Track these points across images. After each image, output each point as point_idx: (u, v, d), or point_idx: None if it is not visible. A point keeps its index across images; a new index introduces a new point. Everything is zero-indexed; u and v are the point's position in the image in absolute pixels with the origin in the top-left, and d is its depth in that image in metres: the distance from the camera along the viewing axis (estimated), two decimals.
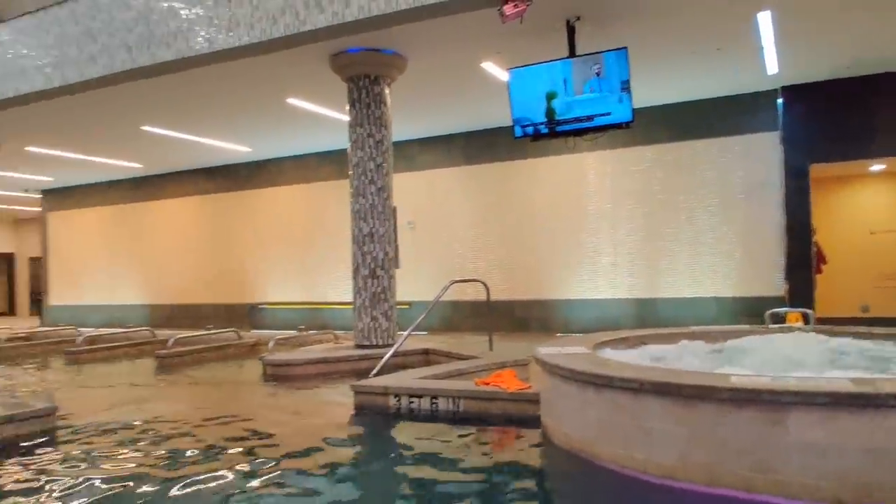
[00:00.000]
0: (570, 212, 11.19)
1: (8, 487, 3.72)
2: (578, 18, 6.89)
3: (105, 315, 15.92)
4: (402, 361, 7.34)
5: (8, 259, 23.47)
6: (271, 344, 8.62)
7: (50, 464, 4.21)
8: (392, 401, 5.44)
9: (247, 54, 7.43)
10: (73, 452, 4.47)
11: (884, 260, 10.70)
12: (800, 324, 6.39)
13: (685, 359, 4.63)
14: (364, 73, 8.06)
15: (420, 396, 5.33)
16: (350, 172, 8.36)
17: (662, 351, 4.94)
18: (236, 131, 11.61)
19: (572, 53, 7.09)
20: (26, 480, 3.84)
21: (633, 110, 6.93)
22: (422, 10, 6.15)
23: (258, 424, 5.29)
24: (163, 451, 4.44)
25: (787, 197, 9.59)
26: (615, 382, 3.54)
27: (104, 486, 3.66)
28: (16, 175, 14.77)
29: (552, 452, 4.12)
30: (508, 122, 7.66)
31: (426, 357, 8.13)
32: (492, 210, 11.90)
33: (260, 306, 14.09)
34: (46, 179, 15.98)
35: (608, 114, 6.98)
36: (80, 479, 3.80)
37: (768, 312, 6.37)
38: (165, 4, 7.47)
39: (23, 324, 16.44)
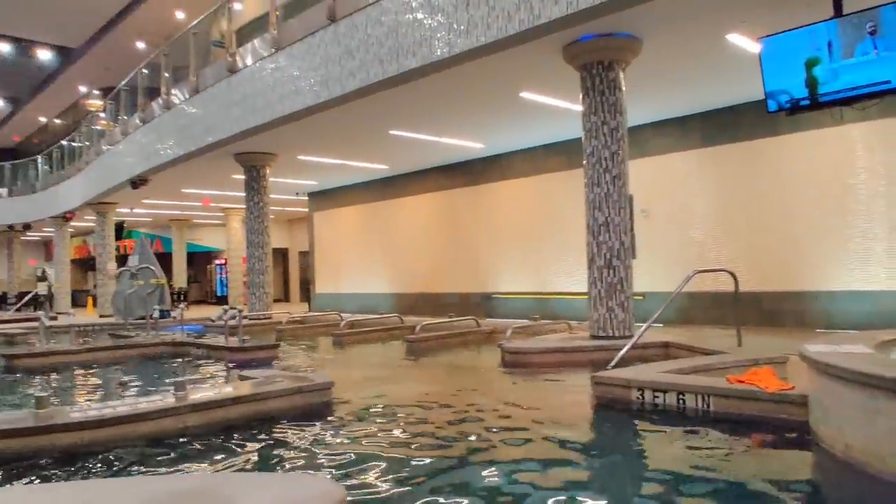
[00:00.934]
0: (833, 192, 9.87)
1: (304, 446, 4.37)
2: None
3: (359, 303, 17.82)
4: (640, 354, 7.12)
5: (283, 253, 27.37)
6: (509, 332, 8.94)
7: (333, 430, 4.86)
8: (634, 394, 5.31)
9: (483, 54, 7.76)
10: (349, 421, 5.10)
11: None
12: None
13: None
14: (597, 60, 7.94)
15: (665, 391, 5.13)
16: (584, 162, 8.30)
17: None
18: (471, 129, 12.18)
19: (838, 13, 6.24)
20: (316, 442, 4.48)
21: None
22: None
23: (505, 409, 5.53)
24: (420, 426, 4.87)
25: None
26: None
27: (380, 453, 4.13)
28: (289, 181, 17.17)
29: (829, 464, 3.68)
30: (752, 98, 7.04)
31: (665, 350, 7.79)
32: (734, 194, 10.96)
33: (493, 295, 14.67)
34: (312, 183, 18.36)
35: (887, 81, 6.01)
36: (359, 445, 4.33)
37: None
38: (411, 17, 8.11)
39: (295, 309, 19.09)
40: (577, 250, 12.19)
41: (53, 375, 8.43)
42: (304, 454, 4.18)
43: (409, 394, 6.25)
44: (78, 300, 27.65)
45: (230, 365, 8.49)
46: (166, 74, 14.95)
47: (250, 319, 12.49)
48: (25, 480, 3.77)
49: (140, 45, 20.40)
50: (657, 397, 5.17)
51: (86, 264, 30.89)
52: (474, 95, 9.91)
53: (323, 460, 4.02)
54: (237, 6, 13.84)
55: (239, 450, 4.33)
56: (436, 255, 16.23)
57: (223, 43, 12.91)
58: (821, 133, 9.79)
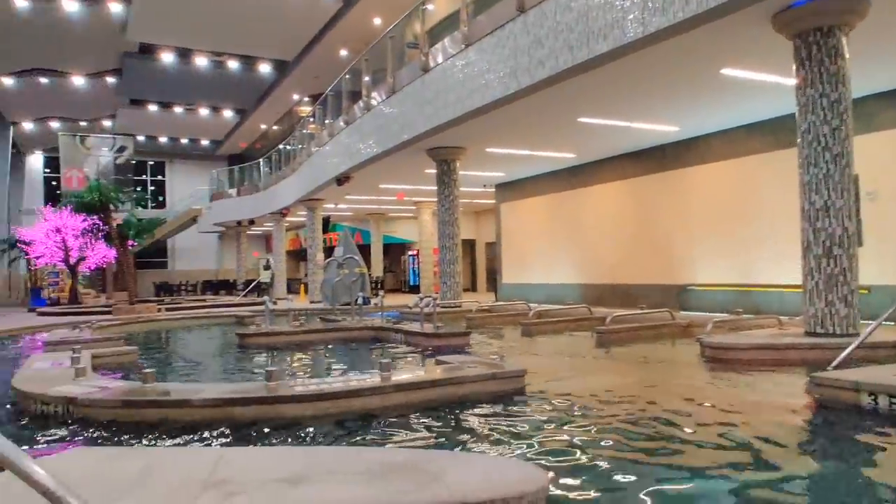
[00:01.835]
0: None
1: (499, 431, 4.48)
2: None
3: (545, 293, 17.81)
4: (866, 354, 6.29)
5: (470, 244, 28.21)
6: (709, 326, 8.39)
7: (525, 417, 4.92)
8: (865, 399, 4.71)
9: (680, 31, 7.34)
10: (542, 408, 5.14)
11: None
12: None
13: None
14: (815, 27, 7.12)
15: None
16: (798, 140, 7.50)
17: None
18: (665, 112, 11.58)
19: None
20: (510, 428, 4.57)
21: None
22: None
23: (710, 408, 5.21)
24: (614, 419, 4.75)
25: None
26: None
27: (574, 444, 4.11)
28: (477, 173, 17.63)
29: None
30: None
31: None
32: None
33: (688, 287, 13.84)
34: (499, 175, 18.69)
35: None
36: (552, 434, 4.34)
37: None
38: None
39: (483, 298, 19.59)
40: (784, 238, 11.11)
41: (276, 353, 9.53)
42: (498, 438, 4.28)
43: (602, 385, 6.12)
44: (291, 287, 30.86)
45: (426, 350, 8.95)
46: (366, 78, 16.09)
47: (442, 307, 13.05)
48: (259, 443, 4.30)
49: (343, 52, 22.15)
50: (894, 403, 4.54)
51: (298, 255, 34.39)
52: (669, 76, 9.40)
53: (516, 446, 4.08)
54: (429, 7, 14.45)
55: (438, 430, 4.56)
56: (625, 244, 15.70)
57: (417, 44, 13.57)
58: None
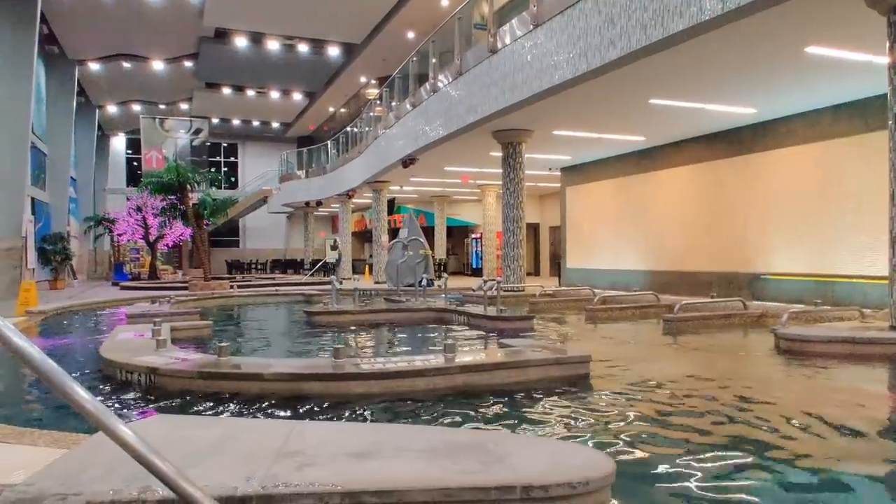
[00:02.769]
0: None
1: (562, 416, 4.46)
2: None
3: (610, 278, 17.49)
4: None
5: (534, 228, 27.96)
6: (784, 317, 8.04)
7: (589, 403, 4.87)
8: None
9: (761, 7, 6.98)
10: (606, 395, 5.07)
11: None
12: None
13: None
14: None
15: None
16: (889, 122, 7.05)
17: None
18: (742, 93, 11.08)
19: None
20: (574, 413, 4.54)
21: None
22: None
23: (786, 403, 5.03)
24: (680, 409, 4.64)
25: None
26: None
27: (638, 425, 4.05)
28: (543, 156, 17.40)
29: None
30: None
31: None
32: None
33: (762, 276, 13.31)
34: (565, 158, 18.39)
35: None
36: (617, 422, 4.29)
37: None
38: None
39: (546, 283, 19.42)
40: (871, 227, 10.52)
41: (341, 331, 9.75)
42: (561, 423, 4.26)
43: (669, 374, 5.98)
44: (357, 268, 31.45)
45: (489, 333, 8.97)
46: (433, 60, 16.08)
47: (505, 291, 13.02)
48: (324, 417, 4.43)
49: (410, 35, 22.19)
50: None
51: (363, 236, 34.96)
52: (748, 55, 8.97)
53: (580, 431, 4.05)
54: None
55: (501, 412, 4.57)
56: (694, 230, 15.20)
57: (484, 25, 13.44)
58: None
